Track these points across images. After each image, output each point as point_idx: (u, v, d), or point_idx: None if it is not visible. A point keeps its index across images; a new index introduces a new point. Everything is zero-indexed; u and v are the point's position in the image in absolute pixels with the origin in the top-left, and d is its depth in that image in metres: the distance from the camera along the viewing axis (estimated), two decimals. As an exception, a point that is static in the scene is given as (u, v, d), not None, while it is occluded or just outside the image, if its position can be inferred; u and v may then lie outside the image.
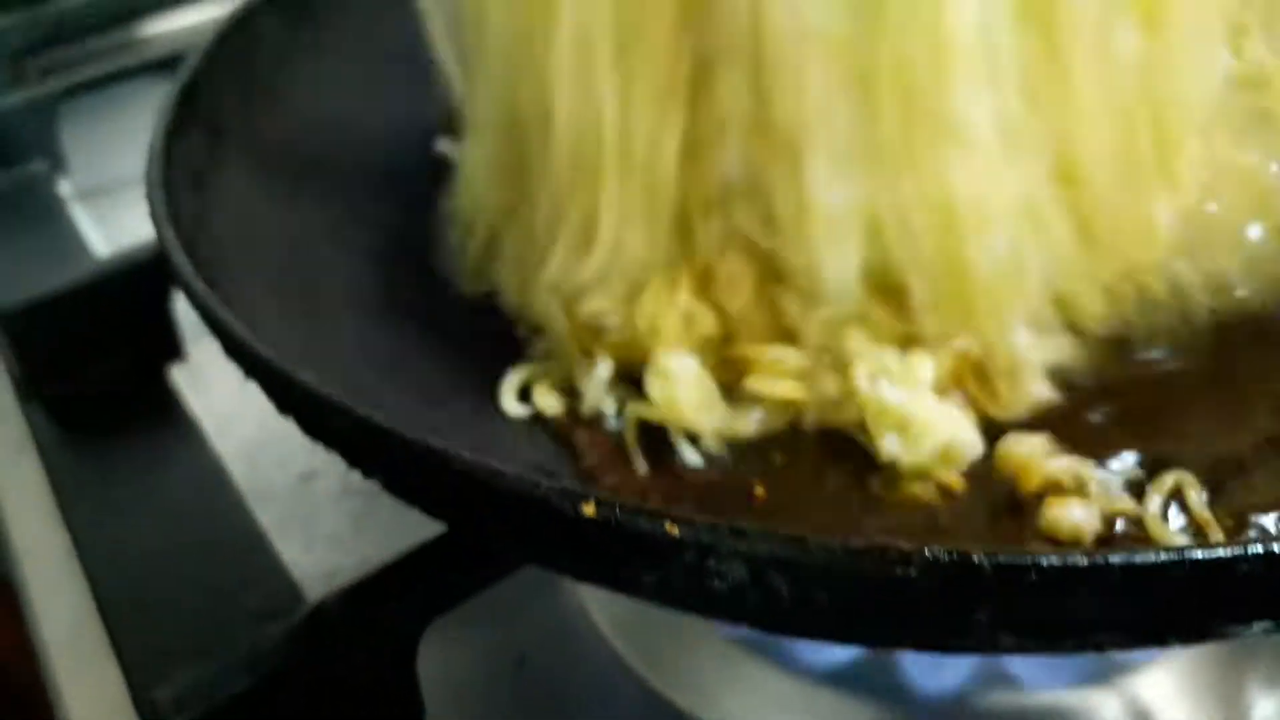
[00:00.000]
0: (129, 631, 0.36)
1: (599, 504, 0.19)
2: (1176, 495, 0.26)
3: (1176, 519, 0.26)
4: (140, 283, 0.45)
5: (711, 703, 0.33)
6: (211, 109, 0.37)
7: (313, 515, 0.43)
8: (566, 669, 0.35)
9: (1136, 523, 0.26)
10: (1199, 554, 0.18)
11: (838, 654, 0.33)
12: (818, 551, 0.18)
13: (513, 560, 0.31)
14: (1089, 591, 0.18)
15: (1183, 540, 0.25)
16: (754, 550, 0.19)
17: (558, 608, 0.37)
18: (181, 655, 0.32)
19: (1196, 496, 0.26)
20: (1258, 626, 0.19)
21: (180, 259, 0.28)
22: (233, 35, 0.40)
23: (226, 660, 0.29)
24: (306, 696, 0.29)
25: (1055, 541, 0.26)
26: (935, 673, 0.31)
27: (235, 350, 0.26)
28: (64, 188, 0.64)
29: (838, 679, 0.33)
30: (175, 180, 0.32)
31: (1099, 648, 0.20)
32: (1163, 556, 0.18)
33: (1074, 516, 0.26)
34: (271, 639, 0.29)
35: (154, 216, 0.29)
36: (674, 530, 0.19)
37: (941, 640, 0.20)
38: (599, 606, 0.36)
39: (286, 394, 0.25)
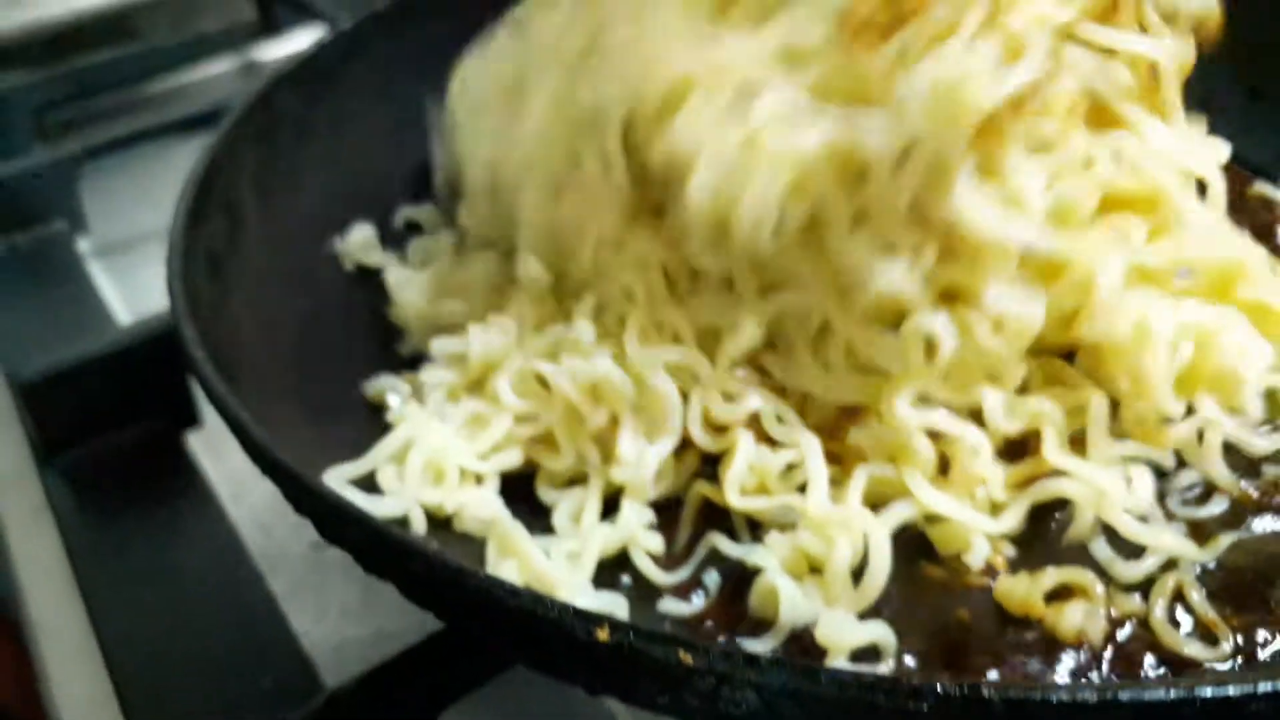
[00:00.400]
0: (144, 711, 0.36)
1: (613, 629, 0.19)
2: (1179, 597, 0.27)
3: (1185, 619, 0.26)
4: (159, 351, 0.46)
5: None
6: (231, 191, 0.38)
7: (324, 584, 0.43)
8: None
9: (1144, 623, 0.26)
10: (1208, 692, 0.18)
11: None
12: (829, 684, 0.19)
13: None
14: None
15: (1193, 645, 0.25)
16: (767, 680, 0.19)
17: (570, 696, 0.37)
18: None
19: (1199, 597, 0.26)
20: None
21: (199, 354, 0.28)
22: (254, 115, 0.40)
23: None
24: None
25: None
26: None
27: (256, 454, 0.26)
28: (83, 245, 0.65)
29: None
30: (194, 268, 0.33)
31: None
32: (1172, 694, 0.18)
33: (1078, 619, 0.26)
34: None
35: (174, 310, 0.30)
36: (688, 659, 0.19)
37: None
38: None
39: (303, 499, 0.25)
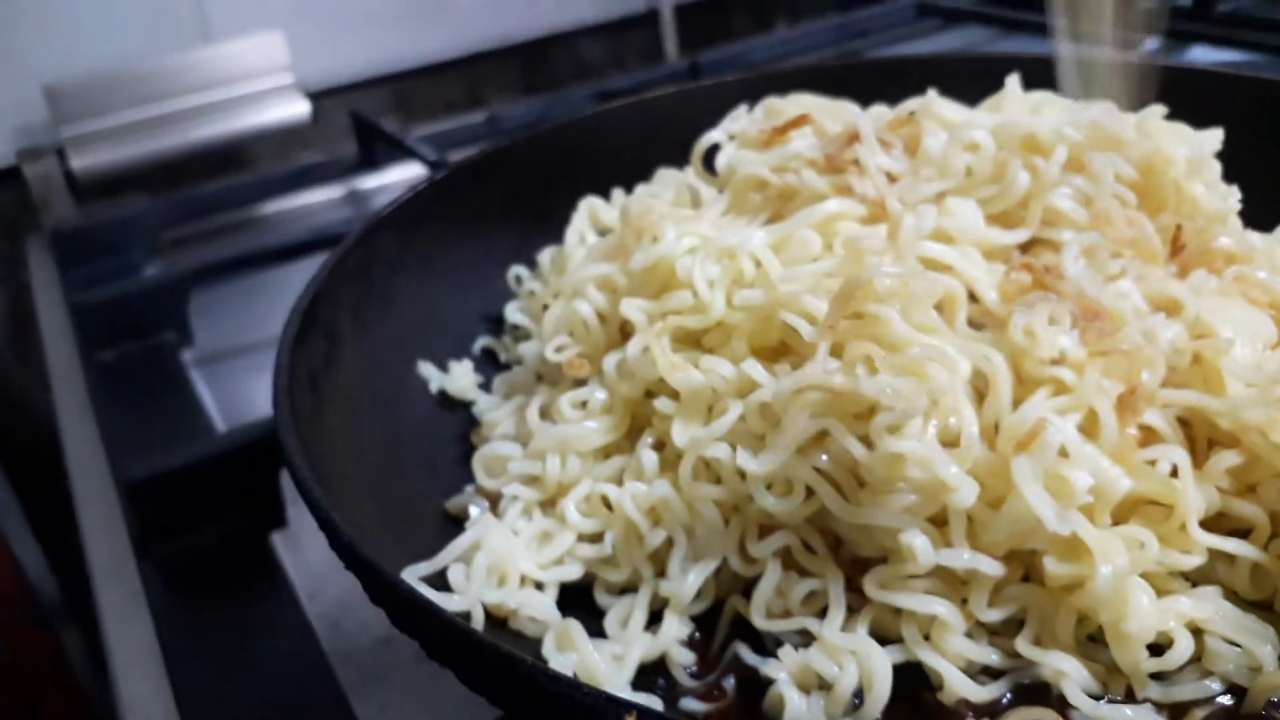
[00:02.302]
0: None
1: (640, 714, 0.23)
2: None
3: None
4: (251, 457, 0.50)
5: None
6: (330, 319, 0.42)
7: (389, 677, 0.46)
8: None
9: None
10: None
11: None
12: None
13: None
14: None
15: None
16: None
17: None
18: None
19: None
20: None
21: (297, 461, 0.32)
22: (352, 252, 0.45)
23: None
24: None
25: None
26: None
27: (341, 549, 0.30)
28: (186, 356, 0.71)
29: None
30: (296, 385, 0.37)
31: None
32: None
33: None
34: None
35: (278, 421, 0.34)
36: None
37: None
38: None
39: (380, 591, 0.29)
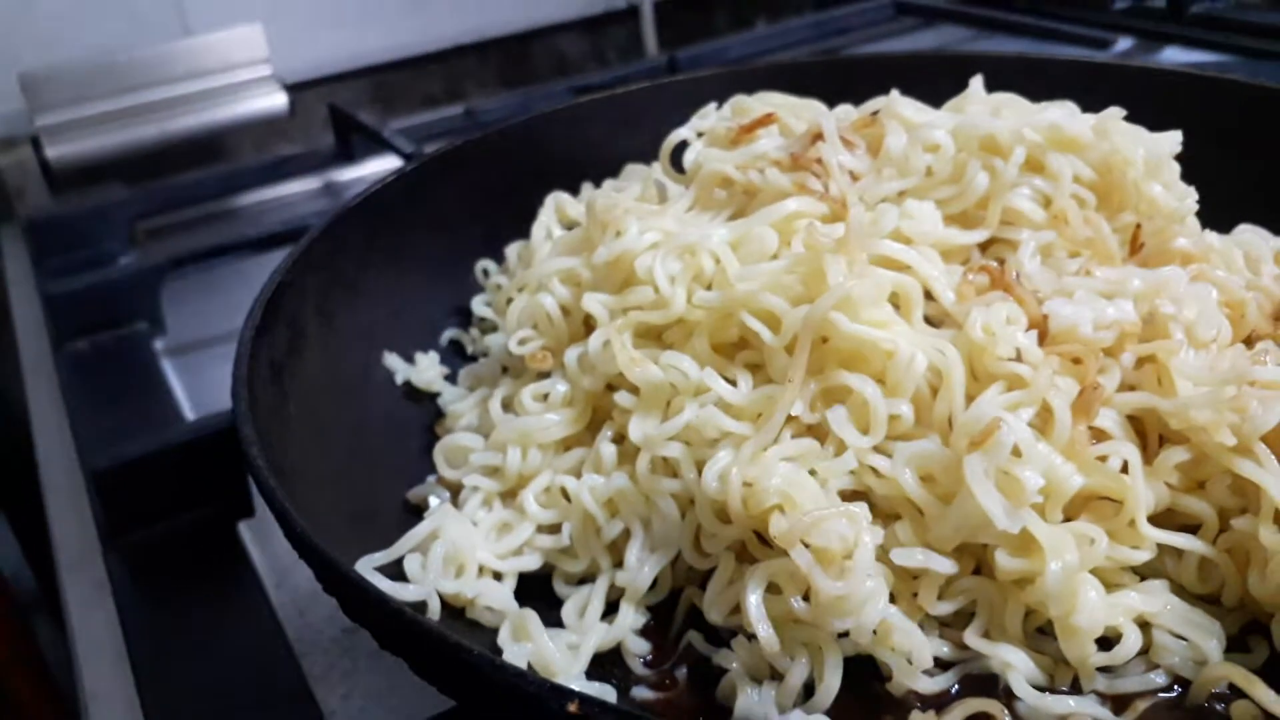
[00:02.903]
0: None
1: (583, 702, 0.23)
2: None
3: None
4: (219, 447, 0.50)
5: None
6: (295, 309, 0.42)
7: (353, 667, 0.46)
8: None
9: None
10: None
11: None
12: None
13: None
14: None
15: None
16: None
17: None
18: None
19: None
20: None
21: (254, 452, 0.32)
22: (318, 244, 0.45)
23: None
24: None
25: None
26: None
27: (295, 540, 0.30)
28: (158, 345, 0.71)
29: None
30: (257, 374, 0.37)
31: None
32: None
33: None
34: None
35: (235, 411, 0.34)
36: (640, 730, 0.22)
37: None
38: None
39: (332, 581, 0.29)
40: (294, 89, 0.97)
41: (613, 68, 1.04)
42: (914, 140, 0.42)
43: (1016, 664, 0.31)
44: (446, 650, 0.25)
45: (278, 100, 0.95)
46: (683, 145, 0.49)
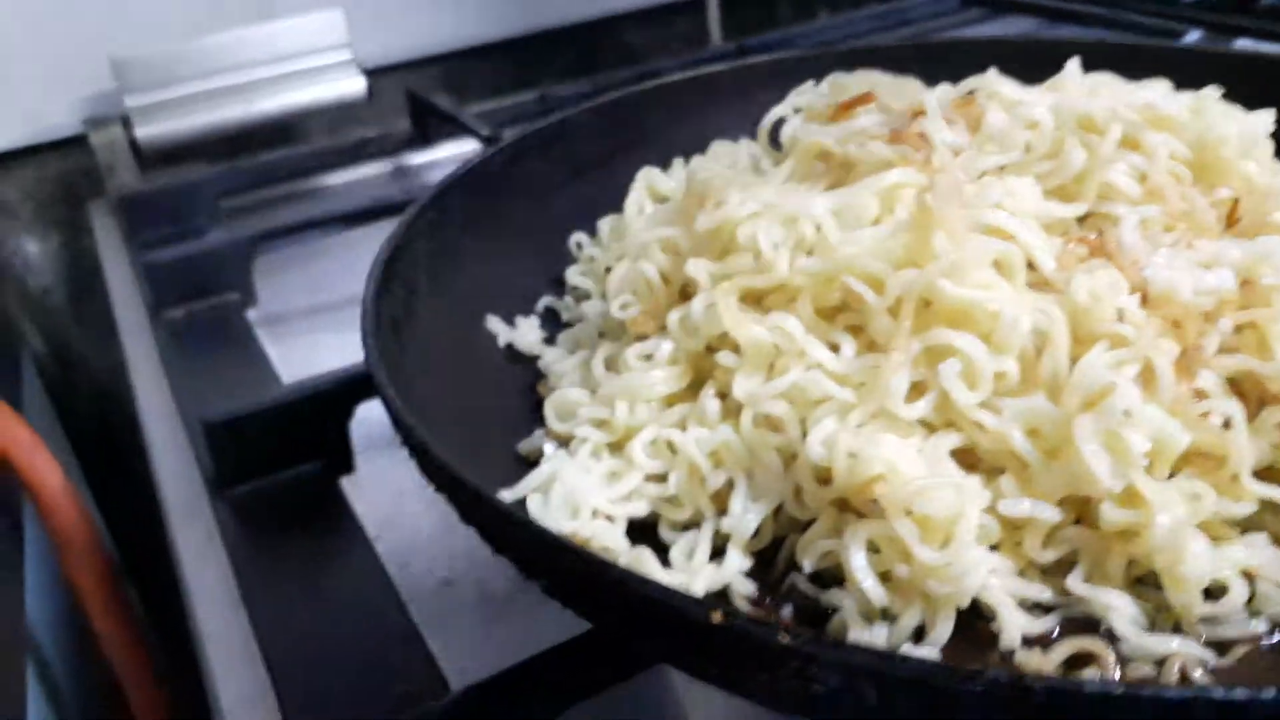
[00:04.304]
0: (296, 706, 0.41)
1: (726, 614, 0.25)
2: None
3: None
4: (326, 407, 0.53)
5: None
6: (408, 270, 0.45)
7: (452, 616, 0.49)
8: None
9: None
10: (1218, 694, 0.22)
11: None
12: (900, 666, 0.23)
13: (640, 662, 0.36)
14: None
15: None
16: (849, 661, 0.24)
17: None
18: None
19: (1200, 674, 0.30)
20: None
21: (392, 396, 0.34)
22: (427, 210, 0.48)
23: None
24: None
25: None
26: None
27: (434, 472, 0.32)
28: (251, 315, 0.73)
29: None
30: (381, 328, 0.40)
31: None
32: (1186, 694, 0.22)
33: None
34: (430, 713, 0.35)
35: (369, 361, 0.36)
36: (785, 639, 0.24)
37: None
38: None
39: (474, 510, 0.31)
40: (370, 74, 0.99)
41: (680, 56, 1.06)
42: (1014, 117, 0.43)
43: (1119, 606, 0.32)
44: (593, 567, 0.27)
45: (357, 84, 0.98)
46: (779, 125, 0.51)
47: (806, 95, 0.51)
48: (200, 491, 0.55)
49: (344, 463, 0.54)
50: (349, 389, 0.53)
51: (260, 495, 0.53)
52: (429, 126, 0.96)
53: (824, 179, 0.46)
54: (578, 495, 0.38)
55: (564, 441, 0.42)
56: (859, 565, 0.34)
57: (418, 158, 0.96)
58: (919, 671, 0.23)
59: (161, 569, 0.55)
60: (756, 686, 0.26)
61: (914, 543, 0.33)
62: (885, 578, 0.34)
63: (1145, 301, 0.36)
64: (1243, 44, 0.88)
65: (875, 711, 0.24)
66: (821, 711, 0.26)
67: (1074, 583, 0.33)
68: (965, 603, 0.33)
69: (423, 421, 0.36)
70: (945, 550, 0.33)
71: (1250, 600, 0.32)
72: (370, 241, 0.48)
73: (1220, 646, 0.32)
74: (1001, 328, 0.35)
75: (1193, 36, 0.91)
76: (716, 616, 0.25)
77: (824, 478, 0.36)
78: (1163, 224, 0.41)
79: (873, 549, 0.34)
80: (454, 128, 0.91)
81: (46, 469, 0.66)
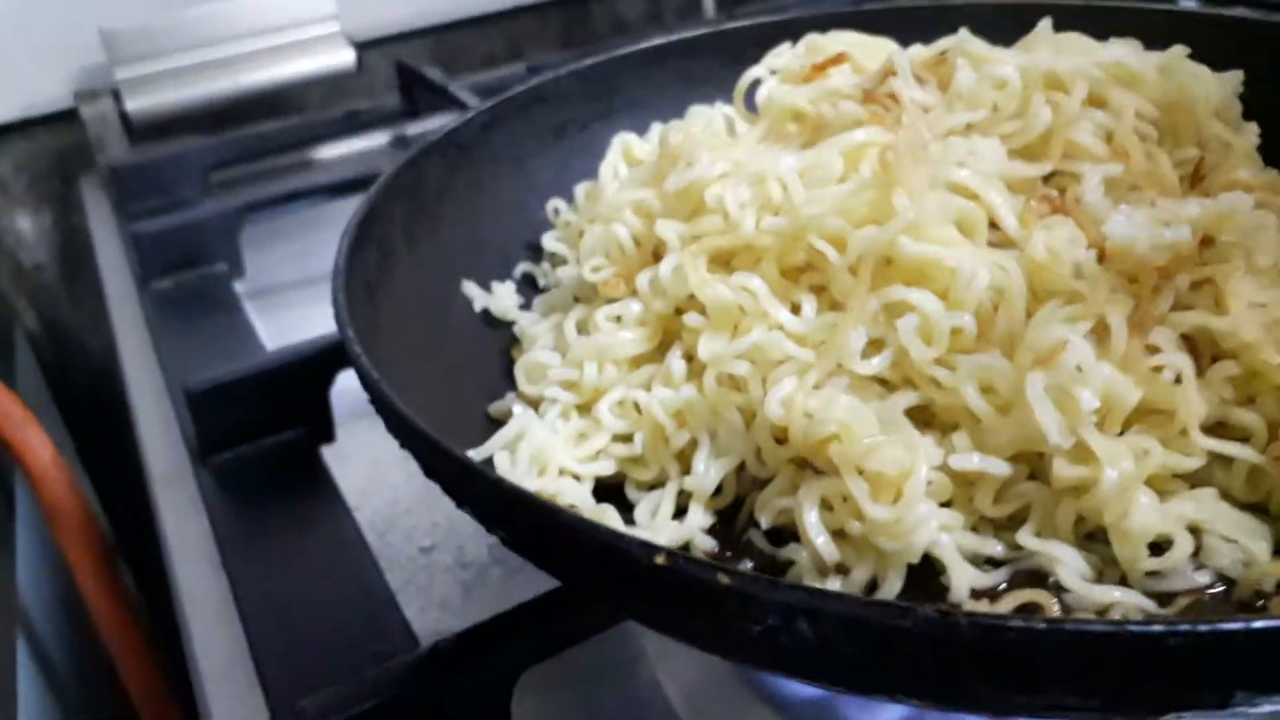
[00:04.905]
0: (273, 664, 0.42)
1: (669, 555, 0.25)
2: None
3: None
4: (306, 374, 0.53)
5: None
6: (383, 233, 0.45)
7: (429, 583, 0.49)
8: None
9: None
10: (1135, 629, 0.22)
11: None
12: (835, 602, 0.24)
13: (597, 619, 0.37)
14: (1049, 653, 0.23)
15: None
16: (785, 600, 0.24)
17: (635, 682, 0.42)
18: (316, 685, 0.38)
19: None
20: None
21: (359, 351, 0.35)
22: (404, 172, 0.48)
23: (360, 682, 0.35)
24: (421, 720, 0.35)
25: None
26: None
27: (396, 425, 0.32)
28: (239, 287, 0.74)
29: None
30: (354, 288, 0.40)
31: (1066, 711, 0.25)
32: (1105, 628, 0.23)
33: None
34: (398, 667, 0.36)
35: (338, 319, 0.37)
36: (724, 580, 0.24)
37: (934, 690, 0.25)
38: (672, 683, 0.42)
39: (434, 461, 0.31)
40: (358, 47, 0.99)
41: (672, 29, 1.05)
42: (983, 76, 0.43)
43: (1065, 559, 0.33)
44: (545, 515, 0.27)
45: (346, 56, 0.98)
46: (755, 85, 0.51)
47: (783, 58, 0.51)
48: (184, 459, 0.56)
49: (325, 431, 0.54)
50: (330, 356, 0.54)
51: (242, 462, 0.54)
52: (418, 99, 0.96)
53: (797, 140, 0.46)
54: (545, 453, 0.38)
55: (534, 404, 0.43)
56: (811, 522, 0.34)
57: (408, 130, 0.96)
58: (852, 608, 0.24)
59: (153, 547, 0.56)
60: (702, 630, 0.27)
61: (864, 500, 0.33)
62: (840, 534, 0.35)
63: (1103, 257, 0.37)
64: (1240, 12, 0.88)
65: (813, 652, 0.25)
66: (764, 656, 0.26)
67: (1024, 537, 0.34)
68: (915, 558, 0.34)
69: (393, 381, 0.37)
70: (895, 507, 0.33)
71: (1196, 553, 0.33)
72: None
73: (1165, 599, 0.32)
74: (959, 284, 0.36)
75: (1188, 4, 0.91)
76: (660, 559, 0.25)
77: (781, 437, 0.37)
78: (1127, 183, 0.42)
79: (827, 507, 0.35)
80: (443, 100, 0.91)
81: (38, 443, 0.67)
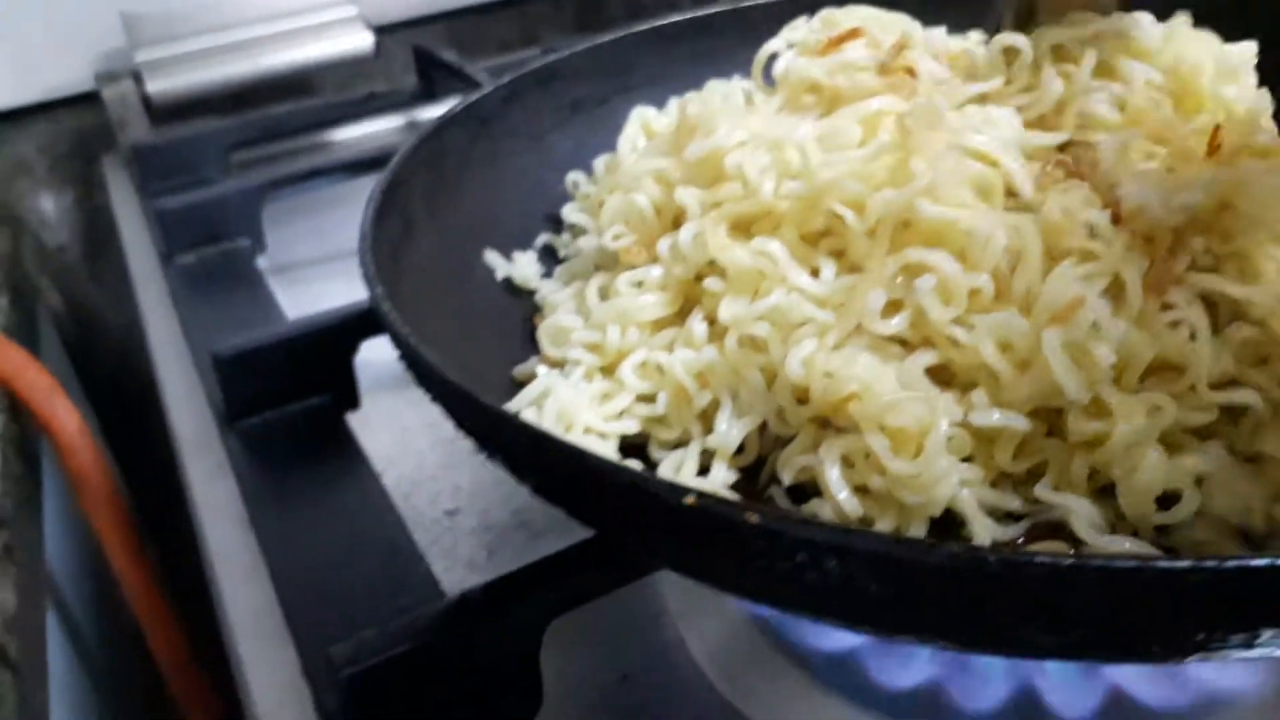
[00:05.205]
0: (302, 617, 0.43)
1: (699, 495, 0.26)
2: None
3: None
4: (330, 341, 0.54)
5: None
6: (406, 202, 0.46)
7: (454, 544, 0.50)
8: (663, 691, 0.41)
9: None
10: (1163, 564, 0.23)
11: (912, 681, 0.38)
12: (861, 538, 0.25)
13: (631, 571, 0.38)
14: (1074, 590, 0.24)
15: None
16: (811, 536, 0.25)
17: (660, 638, 0.43)
18: (345, 637, 0.39)
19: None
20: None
21: (388, 308, 0.36)
22: (426, 144, 0.49)
23: (389, 630, 0.36)
24: (450, 668, 0.36)
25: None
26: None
27: (426, 377, 0.33)
28: (262, 262, 0.75)
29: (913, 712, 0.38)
30: (379, 254, 0.41)
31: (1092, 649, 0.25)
32: (1132, 564, 0.23)
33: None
34: (427, 615, 0.36)
35: (366, 277, 0.38)
36: (753, 518, 0.25)
37: (959, 630, 0.26)
38: (696, 640, 0.42)
39: (464, 411, 0.32)
40: (376, 32, 1.00)
41: (686, 13, 1.06)
42: (994, 45, 0.44)
43: (1080, 510, 0.34)
44: (574, 459, 0.28)
45: (364, 39, 0.99)
46: (773, 59, 0.52)
47: (800, 31, 0.52)
48: (210, 425, 0.57)
49: (350, 398, 0.55)
50: (354, 325, 0.54)
51: (269, 428, 0.55)
52: (436, 82, 0.97)
53: (814, 111, 0.47)
54: (570, 410, 0.39)
55: (558, 366, 0.44)
56: (834, 478, 0.35)
57: (425, 113, 0.97)
58: (880, 544, 0.24)
59: (179, 524, 0.57)
60: (730, 571, 0.28)
61: (886, 455, 0.34)
62: (861, 491, 0.36)
63: (1118, 220, 0.37)
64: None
65: (840, 590, 0.25)
66: (791, 596, 0.27)
67: (1041, 490, 0.35)
68: (937, 511, 0.35)
69: (420, 341, 0.38)
70: (917, 461, 0.34)
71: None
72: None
73: (1174, 553, 0.33)
74: (975, 244, 0.36)
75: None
76: (689, 499, 0.26)
77: (803, 396, 0.37)
78: (1144, 150, 0.42)
79: (848, 464, 0.36)
80: (460, 82, 0.92)
81: (64, 412, 0.68)
